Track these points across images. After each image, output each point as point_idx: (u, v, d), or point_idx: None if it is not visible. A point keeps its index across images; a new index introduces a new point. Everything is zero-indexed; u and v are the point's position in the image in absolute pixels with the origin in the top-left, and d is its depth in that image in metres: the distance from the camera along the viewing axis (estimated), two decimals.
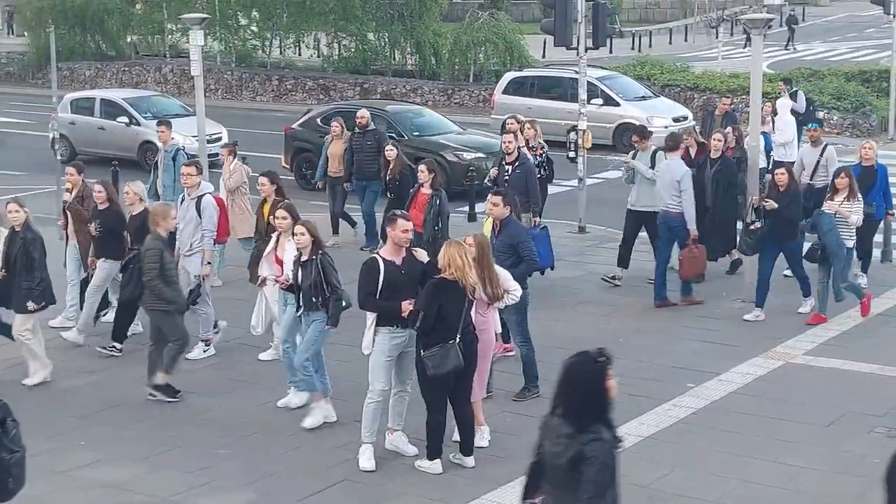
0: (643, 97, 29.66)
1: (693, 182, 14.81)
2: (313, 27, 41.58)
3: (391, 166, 16.59)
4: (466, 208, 20.03)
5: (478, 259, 9.78)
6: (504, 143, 15.34)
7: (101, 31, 45.14)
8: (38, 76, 45.00)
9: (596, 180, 23.00)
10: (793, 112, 20.66)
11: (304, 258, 10.58)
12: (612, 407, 5.85)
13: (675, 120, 27.39)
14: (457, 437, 9.99)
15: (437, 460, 9.81)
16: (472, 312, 9.76)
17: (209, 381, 12.26)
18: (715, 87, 32.15)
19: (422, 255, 10.00)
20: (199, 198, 13.18)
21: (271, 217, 12.08)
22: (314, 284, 10.45)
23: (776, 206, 13.72)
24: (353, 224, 18.66)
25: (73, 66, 43.82)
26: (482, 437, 10.26)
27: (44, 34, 41.45)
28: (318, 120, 23.85)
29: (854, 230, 13.89)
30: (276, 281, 11.29)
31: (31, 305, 11.98)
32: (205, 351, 13.06)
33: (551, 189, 18.00)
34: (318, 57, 42.44)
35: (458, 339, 9.42)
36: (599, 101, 27.86)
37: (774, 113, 19.99)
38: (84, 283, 13.74)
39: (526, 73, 31.69)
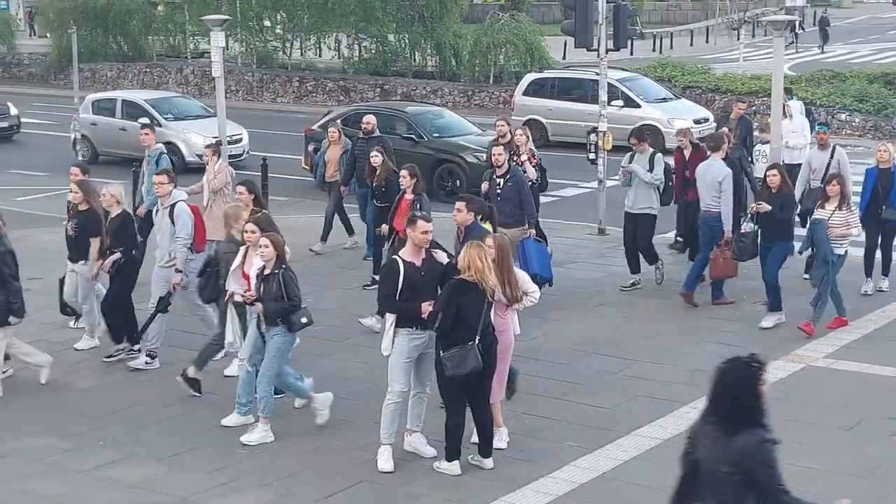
0: (664, 99, 29.60)
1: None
2: (334, 28, 41.64)
3: (377, 173, 16.09)
4: None
5: (497, 261, 9.76)
6: (494, 155, 14.70)
7: (123, 33, 45.36)
8: (60, 77, 45.27)
9: (616, 182, 22.85)
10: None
11: (266, 271, 10.45)
12: (767, 411, 5.97)
13: (696, 122, 27.28)
14: (475, 438, 9.99)
15: (456, 462, 9.79)
16: (492, 314, 9.75)
17: (228, 383, 12.27)
18: (736, 88, 32.04)
19: (441, 256, 9.98)
20: (172, 206, 12.80)
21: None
22: (275, 299, 10.34)
23: (769, 208, 13.59)
24: (350, 232, 18.42)
25: (94, 67, 44.05)
26: (501, 439, 10.23)
27: (66, 35, 41.77)
28: (339, 121, 23.87)
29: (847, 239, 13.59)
30: (243, 297, 10.84)
31: (13, 320, 11.79)
32: (147, 363, 12.73)
33: (571, 191, 17.97)
34: (339, 58, 42.48)
35: (477, 341, 9.41)
36: (620, 102, 27.86)
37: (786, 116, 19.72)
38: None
39: (546, 74, 31.67)
